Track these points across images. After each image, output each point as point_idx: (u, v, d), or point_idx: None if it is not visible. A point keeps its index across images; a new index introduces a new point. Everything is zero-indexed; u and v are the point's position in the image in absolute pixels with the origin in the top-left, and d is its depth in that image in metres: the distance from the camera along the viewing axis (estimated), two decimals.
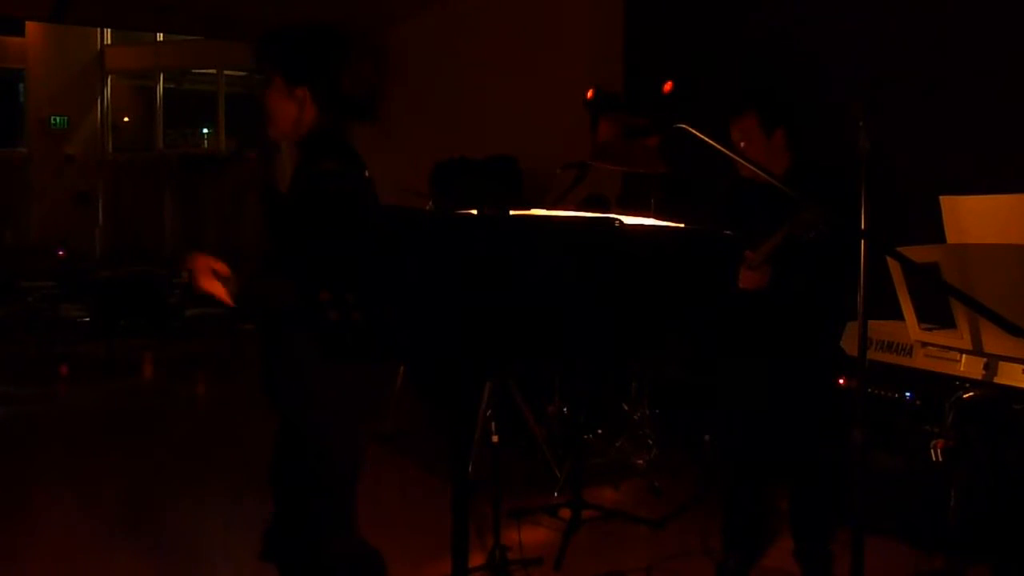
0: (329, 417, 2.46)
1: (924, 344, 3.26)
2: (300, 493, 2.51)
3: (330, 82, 2.41)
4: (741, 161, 3.28)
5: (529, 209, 1.78)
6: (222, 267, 2.39)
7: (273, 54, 2.44)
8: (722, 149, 1.95)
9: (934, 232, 2.68)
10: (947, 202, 2.66)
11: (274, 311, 2.45)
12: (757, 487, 3.54)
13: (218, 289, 2.37)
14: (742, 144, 3.32)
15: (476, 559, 3.48)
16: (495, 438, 3.59)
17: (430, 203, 6.22)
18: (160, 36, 14.28)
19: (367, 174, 2.40)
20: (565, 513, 4.18)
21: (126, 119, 15.48)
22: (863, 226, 2.32)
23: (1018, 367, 3.22)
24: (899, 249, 2.12)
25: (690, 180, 4.77)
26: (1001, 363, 3.22)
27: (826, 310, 3.31)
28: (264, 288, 2.40)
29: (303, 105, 2.42)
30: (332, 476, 2.52)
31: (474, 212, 1.51)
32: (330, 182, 2.33)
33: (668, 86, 2.16)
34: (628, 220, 1.56)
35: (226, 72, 14.48)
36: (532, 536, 3.98)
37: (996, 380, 3.27)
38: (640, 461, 5.00)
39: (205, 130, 15.56)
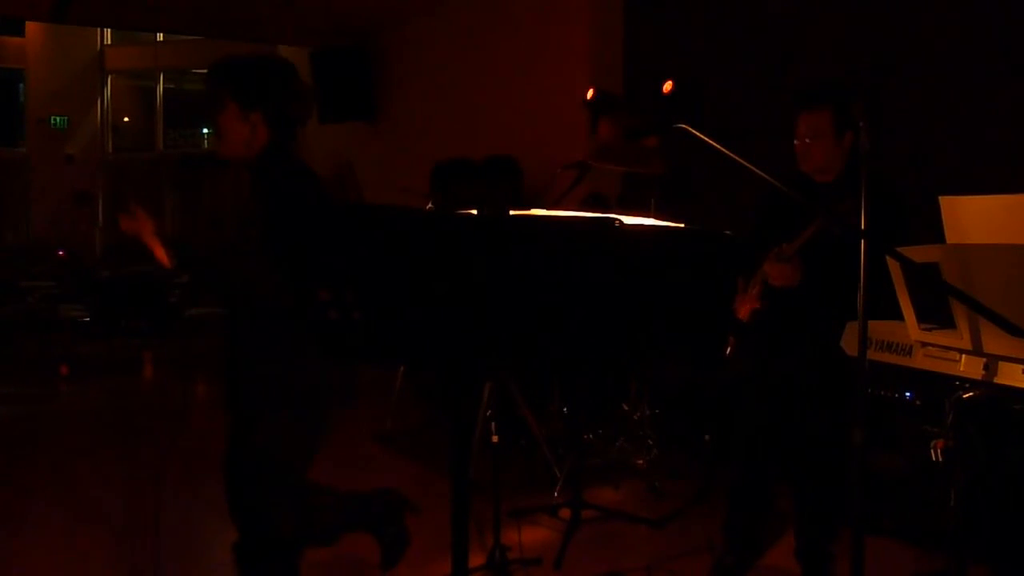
0: (292, 408, 2.65)
1: (924, 344, 3.25)
2: (251, 482, 2.70)
3: (280, 106, 2.66)
4: (802, 152, 3.29)
5: (529, 209, 1.78)
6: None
7: (228, 81, 2.67)
8: (722, 149, 1.95)
9: (934, 232, 2.68)
10: (947, 202, 2.65)
11: (245, 307, 2.65)
12: (762, 485, 3.54)
13: (159, 250, 2.62)
14: (807, 139, 3.27)
15: (476, 559, 3.49)
16: (495, 438, 3.59)
17: (430, 203, 6.22)
18: (160, 36, 14.28)
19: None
20: (565, 513, 4.18)
21: (126, 119, 15.47)
22: (863, 226, 2.32)
23: (1018, 367, 3.21)
24: (899, 249, 2.12)
25: (690, 180, 4.77)
26: (1001, 363, 3.22)
27: (842, 311, 3.31)
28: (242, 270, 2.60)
29: (256, 128, 2.65)
30: (286, 465, 2.71)
31: (474, 212, 1.50)
32: (293, 183, 2.62)
33: (668, 86, 2.16)
34: (628, 220, 1.55)
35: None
36: (532, 536, 3.98)
37: (996, 380, 3.26)
38: (640, 461, 5.00)
39: (205, 130, 15.55)
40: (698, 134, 1.95)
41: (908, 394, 3.75)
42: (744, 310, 3.27)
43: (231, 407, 2.77)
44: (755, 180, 2.07)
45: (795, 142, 3.33)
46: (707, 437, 4.89)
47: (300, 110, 2.73)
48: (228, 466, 2.80)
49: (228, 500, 2.81)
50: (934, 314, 2.88)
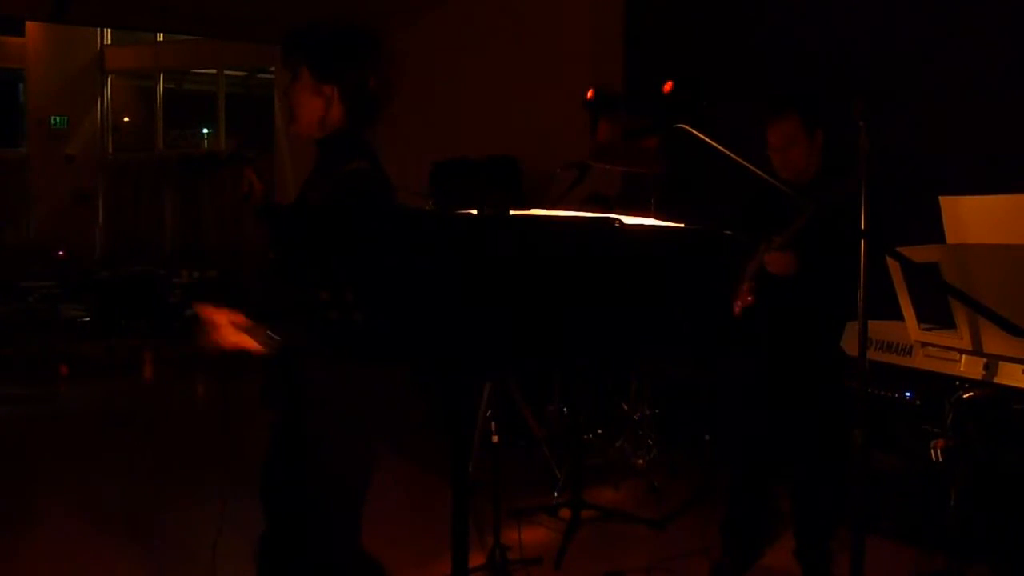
0: (339, 424, 2.44)
1: (924, 344, 3.26)
2: (306, 503, 2.48)
3: (358, 81, 2.40)
4: (781, 158, 3.29)
5: (529, 209, 1.78)
6: (239, 317, 2.29)
7: (303, 49, 2.40)
8: (722, 149, 1.95)
9: (934, 232, 2.68)
10: (947, 202, 2.66)
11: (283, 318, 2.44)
12: (760, 486, 3.55)
13: (247, 341, 2.29)
14: (783, 148, 3.29)
15: (476, 559, 3.48)
16: (495, 438, 3.59)
17: (430, 203, 6.22)
18: (160, 36, 14.27)
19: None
20: (565, 513, 4.18)
21: (126, 119, 15.46)
22: (863, 226, 2.32)
23: (1018, 367, 3.22)
24: (899, 249, 2.12)
25: (690, 180, 4.77)
26: (1001, 363, 3.23)
27: (835, 310, 3.31)
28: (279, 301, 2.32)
29: (331, 103, 2.39)
30: (340, 485, 2.49)
31: (474, 212, 1.50)
32: (364, 182, 2.32)
33: (668, 86, 2.16)
34: (628, 220, 1.55)
35: (226, 72, 14.49)
36: (532, 536, 3.98)
37: (996, 380, 3.27)
38: (640, 461, 5.00)
39: (205, 130, 15.55)
40: (698, 134, 1.95)
41: (908, 394, 3.75)
42: (736, 305, 3.27)
43: (275, 408, 2.54)
44: (755, 180, 2.07)
45: (769, 153, 3.34)
46: (707, 437, 4.89)
47: (381, 89, 2.44)
48: (271, 465, 2.59)
49: (262, 492, 2.60)
50: (934, 314, 2.88)
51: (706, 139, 1.94)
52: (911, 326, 2.89)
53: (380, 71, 2.44)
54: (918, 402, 3.70)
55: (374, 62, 2.42)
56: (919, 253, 2.38)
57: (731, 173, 3.27)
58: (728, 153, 1.98)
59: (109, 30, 14.37)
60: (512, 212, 1.53)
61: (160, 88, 14.85)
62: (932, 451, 3.19)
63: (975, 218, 2.58)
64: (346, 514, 2.52)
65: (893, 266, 2.71)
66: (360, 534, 2.56)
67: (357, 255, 1.60)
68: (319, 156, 2.45)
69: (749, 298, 3.26)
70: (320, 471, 2.45)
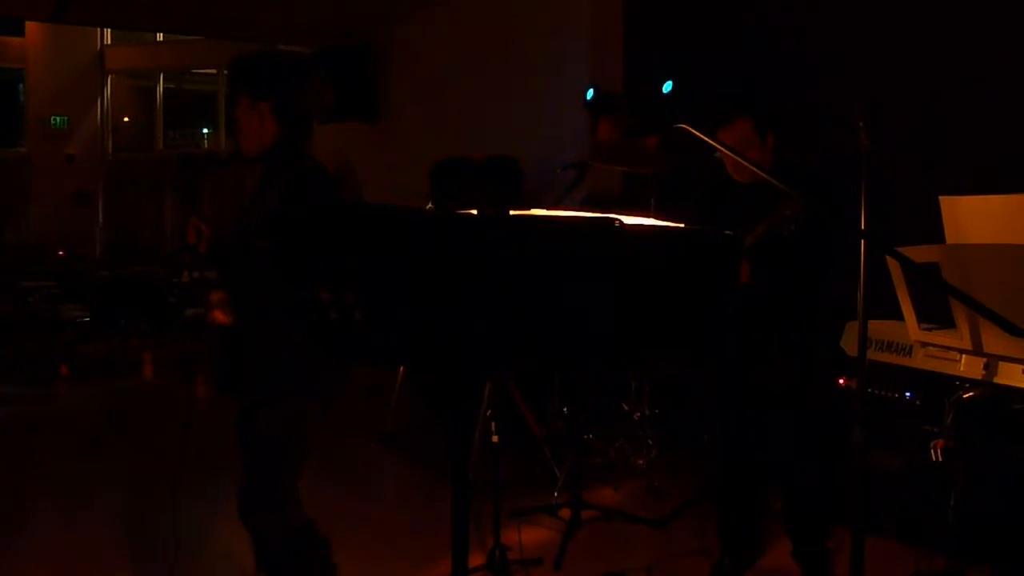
0: (276, 388, 2.67)
1: (924, 344, 3.26)
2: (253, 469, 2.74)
3: (287, 98, 2.71)
4: (735, 160, 3.29)
5: (529, 209, 1.78)
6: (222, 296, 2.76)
7: (240, 75, 2.76)
8: (722, 149, 1.95)
9: (934, 232, 2.68)
10: (947, 202, 2.66)
11: (250, 309, 2.69)
12: (753, 487, 3.55)
13: (219, 315, 2.75)
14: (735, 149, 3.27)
15: (476, 559, 3.49)
16: (495, 438, 3.59)
17: (430, 203, 6.22)
18: (160, 36, 14.27)
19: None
20: (565, 513, 4.18)
21: (126, 119, 15.46)
22: (863, 226, 2.32)
23: (1018, 367, 3.22)
24: (899, 249, 2.12)
25: (690, 180, 4.77)
26: (1001, 363, 3.23)
27: (817, 308, 3.31)
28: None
29: (263, 117, 2.71)
30: (281, 453, 2.72)
31: (474, 212, 1.50)
32: (315, 179, 2.66)
33: (668, 86, 2.16)
34: (628, 220, 1.55)
35: (226, 72, 14.49)
36: (532, 536, 3.98)
37: (996, 380, 3.27)
38: (640, 461, 5.00)
39: (205, 130, 15.55)
40: (698, 134, 1.95)
41: (908, 394, 3.75)
42: None
43: (234, 393, 2.80)
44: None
45: (720, 155, 3.26)
46: (707, 437, 4.89)
47: (310, 104, 2.77)
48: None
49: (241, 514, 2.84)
50: (934, 314, 2.88)
51: (706, 139, 1.94)
52: (911, 326, 2.89)
53: (309, 89, 2.78)
54: (918, 402, 3.70)
55: (303, 82, 2.76)
56: (919, 253, 2.38)
57: (717, 173, 3.26)
58: (728, 152, 1.98)
59: (109, 30, 14.36)
60: (512, 212, 1.52)
61: (160, 88, 14.84)
62: (932, 451, 3.19)
63: (975, 218, 2.58)
64: (281, 479, 2.74)
65: (893, 266, 2.71)
66: (299, 503, 2.75)
67: (355, 255, 1.60)
68: (263, 170, 2.79)
69: None
70: (257, 435, 2.72)
